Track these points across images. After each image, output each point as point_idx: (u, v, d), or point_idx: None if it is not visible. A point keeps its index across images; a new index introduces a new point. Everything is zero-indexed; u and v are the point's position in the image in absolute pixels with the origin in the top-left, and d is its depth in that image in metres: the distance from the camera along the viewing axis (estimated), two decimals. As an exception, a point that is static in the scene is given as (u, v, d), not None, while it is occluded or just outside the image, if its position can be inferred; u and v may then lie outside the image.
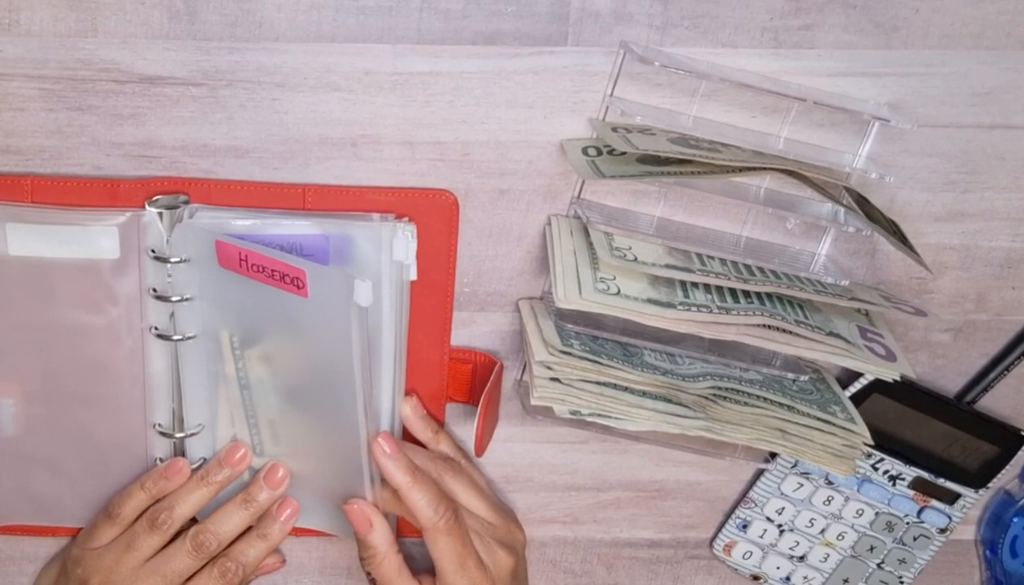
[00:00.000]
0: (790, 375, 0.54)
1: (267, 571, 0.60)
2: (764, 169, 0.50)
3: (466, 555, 0.51)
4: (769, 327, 0.50)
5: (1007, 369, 0.58)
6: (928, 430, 0.58)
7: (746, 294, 0.51)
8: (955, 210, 0.54)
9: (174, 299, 0.51)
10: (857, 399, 0.56)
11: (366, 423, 0.49)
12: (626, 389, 0.52)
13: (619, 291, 0.49)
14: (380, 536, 0.52)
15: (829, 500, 0.60)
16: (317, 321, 0.47)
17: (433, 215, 0.52)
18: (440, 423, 0.57)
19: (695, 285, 0.51)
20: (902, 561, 0.62)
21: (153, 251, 0.50)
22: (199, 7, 0.48)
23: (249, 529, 0.54)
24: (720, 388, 0.52)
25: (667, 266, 0.49)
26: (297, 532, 0.56)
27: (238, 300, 0.49)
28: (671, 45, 0.50)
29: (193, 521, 0.54)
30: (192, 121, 0.51)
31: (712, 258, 0.51)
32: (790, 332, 0.50)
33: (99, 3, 0.48)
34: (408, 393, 0.55)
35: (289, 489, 0.54)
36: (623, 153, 0.49)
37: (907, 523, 0.61)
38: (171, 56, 0.49)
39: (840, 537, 0.61)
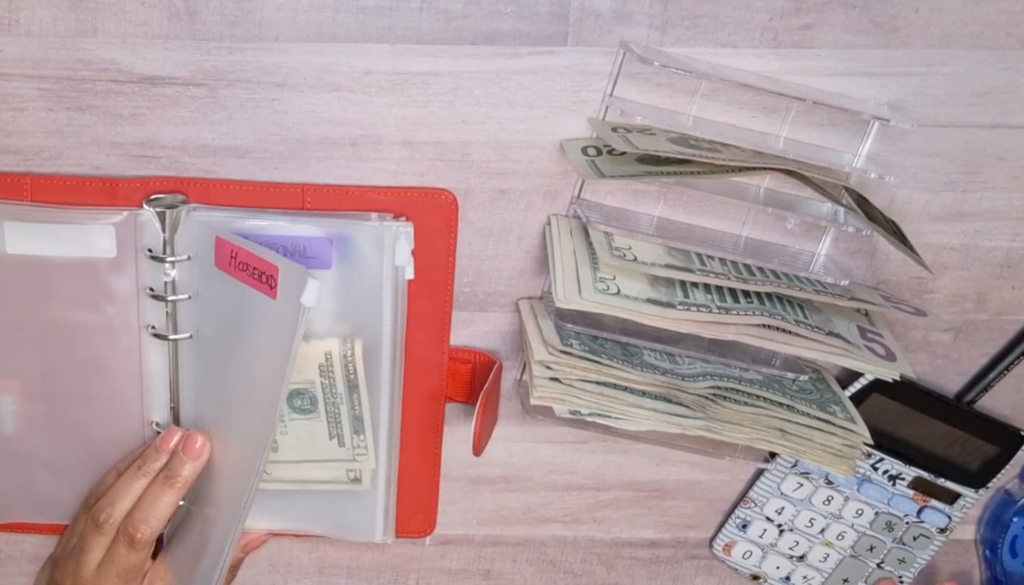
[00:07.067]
0: (790, 375, 0.54)
1: (254, 546, 0.59)
2: (764, 169, 0.50)
3: None
4: (769, 327, 0.50)
5: (1007, 369, 0.58)
6: (928, 430, 0.58)
7: (746, 294, 0.51)
8: (955, 210, 0.54)
9: (171, 298, 0.51)
10: (857, 399, 0.56)
11: (267, 441, 0.48)
12: (626, 389, 0.52)
13: (619, 291, 0.49)
14: None
15: (829, 500, 0.60)
16: (274, 325, 0.47)
17: (432, 215, 0.52)
18: (440, 422, 0.57)
19: (695, 285, 0.51)
20: (902, 561, 0.62)
21: (150, 250, 0.50)
22: (199, 7, 0.48)
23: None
24: (720, 388, 0.52)
25: (667, 266, 0.49)
26: (282, 534, 0.55)
27: (216, 301, 0.50)
28: (671, 45, 0.50)
29: None
30: (192, 121, 0.50)
31: (712, 258, 0.51)
32: (790, 332, 0.50)
33: (99, 3, 0.48)
34: (406, 393, 0.55)
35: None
36: (623, 153, 0.49)
37: (907, 523, 0.61)
38: (171, 56, 0.49)
39: (840, 537, 0.61)
